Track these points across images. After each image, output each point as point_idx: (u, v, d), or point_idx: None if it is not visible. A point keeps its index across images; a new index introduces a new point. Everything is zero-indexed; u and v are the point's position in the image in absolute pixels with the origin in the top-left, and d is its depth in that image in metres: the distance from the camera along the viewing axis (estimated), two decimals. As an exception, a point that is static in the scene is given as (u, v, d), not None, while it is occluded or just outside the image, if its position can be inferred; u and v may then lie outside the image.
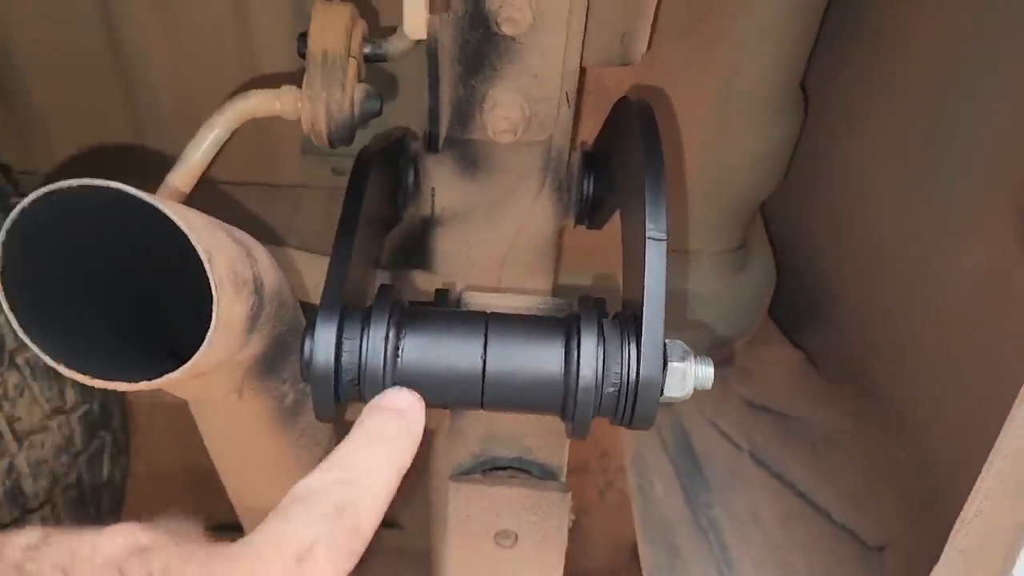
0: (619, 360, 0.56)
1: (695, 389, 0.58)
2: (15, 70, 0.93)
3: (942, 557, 0.74)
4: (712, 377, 0.58)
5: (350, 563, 0.40)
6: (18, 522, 0.76)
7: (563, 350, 0.56)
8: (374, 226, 0.70)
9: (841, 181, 1.18)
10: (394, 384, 0.55)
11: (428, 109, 0.68)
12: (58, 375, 0.74)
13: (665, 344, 0.58)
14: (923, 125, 0.97)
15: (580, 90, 0.82)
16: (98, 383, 0.43)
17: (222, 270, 0.44)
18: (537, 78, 0.71)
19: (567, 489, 0.76)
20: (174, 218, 0.41)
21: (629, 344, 0.56)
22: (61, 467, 0.78)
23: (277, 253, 0.67)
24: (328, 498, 0.41)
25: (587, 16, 0.71)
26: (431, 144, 0.72)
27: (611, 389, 0.56)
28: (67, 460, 0.79)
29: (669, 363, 0.57)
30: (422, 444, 0.50)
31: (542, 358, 0.56)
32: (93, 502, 0.84)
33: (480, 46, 0.68)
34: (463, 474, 0.76)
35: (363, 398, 0.55)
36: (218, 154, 0.60)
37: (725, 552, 1.04)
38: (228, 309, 0.45)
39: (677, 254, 1.25)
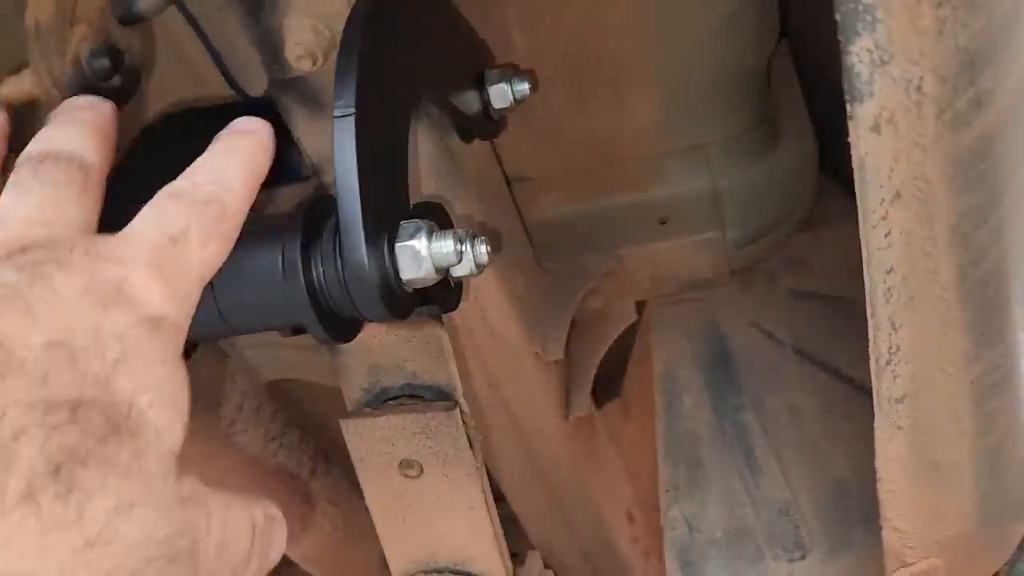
0: (332, 255, 0.53)
1: (441, 266, 0.54)
2: None
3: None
4: (451, 252, 0.53)
5: (221, 247, 0.46)
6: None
7: (280, 258, 0.53)
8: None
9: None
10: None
11: (215, 63, 0.68)
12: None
13: (401, 225, 0.54)
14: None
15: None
16: None
17: None
18: (316, -2, 0.69)
19: (454, 407, 0.72)
20: None
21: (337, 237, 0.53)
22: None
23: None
24: (195, 193, 0.47)
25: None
26: (242, 95, 0.72)
27: (335, 288, 0.53)
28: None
29: (397, 243, 0.53)
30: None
31: (261, 270, 0.54)
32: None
33: None
34: (354, 409, 0.75)
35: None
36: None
37: (749, 456, 0.94)
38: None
39: (684, 152, 1.15)
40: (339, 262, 0.52)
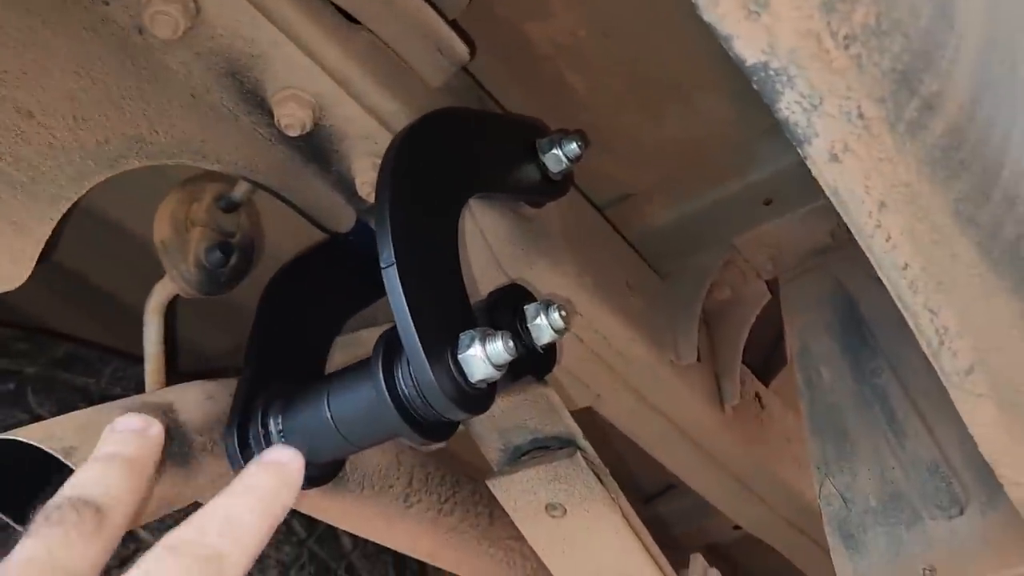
0: (410, 378, 0.63)
1: (499, 364, 0.63)
2: None
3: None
4: (502, 350, 0.62)
5: None
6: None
7: (372, 391, 0.65)
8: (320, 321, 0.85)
9: None
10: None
11: (302, 215, 0.81)
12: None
13: (459, 338, 0.64)
14: None
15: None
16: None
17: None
18: (368, 138, 0.80)
19: (575, 452, 0.81)
20: (25, 440, 0.62)
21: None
22: (287, 556, 1.04)
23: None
24: (197, 549, 0.44)
25: (380, 67, 0.79)
26: (333, 233, 0.85)
27: (419, 402, 0.64)
28: (292, 549, 1.05)
29: (459, 355, 0.63)
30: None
31: (362, 402, 0.66)
32: (343, 568, 1.09)
33: (303, 146, 0.80)
34: (498, 469, 0.86)
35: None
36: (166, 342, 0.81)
37: (892, 419, 0.95)
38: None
39: (770, 130, 1.15)
40: (417, 384, 0.63)
